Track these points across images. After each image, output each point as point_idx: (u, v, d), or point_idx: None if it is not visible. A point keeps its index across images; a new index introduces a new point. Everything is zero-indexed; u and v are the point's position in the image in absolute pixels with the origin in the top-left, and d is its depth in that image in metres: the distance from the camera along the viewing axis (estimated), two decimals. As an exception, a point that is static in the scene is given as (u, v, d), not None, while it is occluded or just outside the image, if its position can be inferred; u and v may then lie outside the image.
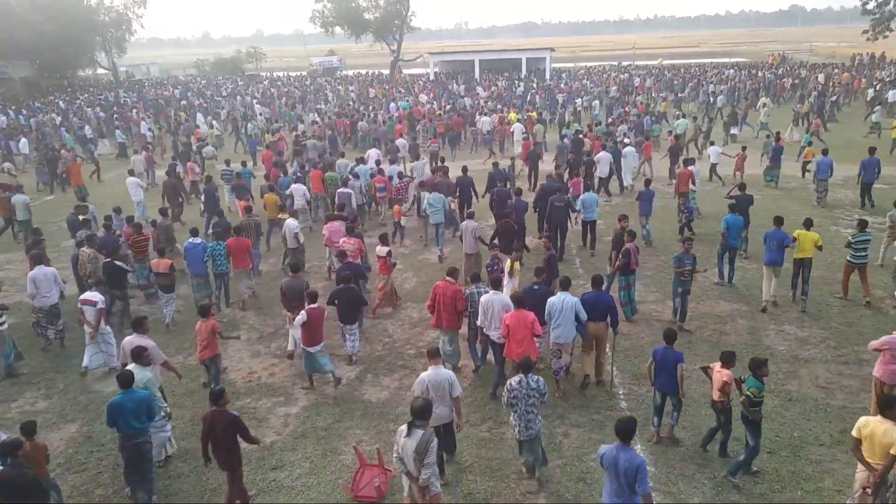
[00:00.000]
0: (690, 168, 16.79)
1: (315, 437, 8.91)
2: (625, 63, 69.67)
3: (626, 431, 6.18)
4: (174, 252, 13.91)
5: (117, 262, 12.13)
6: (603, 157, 19.61)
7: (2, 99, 48.76)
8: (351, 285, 10.78)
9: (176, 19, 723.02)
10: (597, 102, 38.18)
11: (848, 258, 12.29)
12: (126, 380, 7.53)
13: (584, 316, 9.51)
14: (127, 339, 8.94)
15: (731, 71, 52.46)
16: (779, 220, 12.30)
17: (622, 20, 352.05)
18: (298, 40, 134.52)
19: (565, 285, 9.79)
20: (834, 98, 35.93)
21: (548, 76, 57.32)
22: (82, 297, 10.76)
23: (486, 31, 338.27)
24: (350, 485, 7.68)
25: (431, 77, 60.11)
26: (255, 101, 43.55)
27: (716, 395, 7.84)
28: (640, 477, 6.03)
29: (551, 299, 9.64)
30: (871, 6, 54.97)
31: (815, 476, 7.78)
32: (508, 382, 7.75)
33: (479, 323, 9.95)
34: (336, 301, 10.64)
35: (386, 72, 67.25)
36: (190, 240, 12.73)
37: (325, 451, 8.63)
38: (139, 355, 8.19)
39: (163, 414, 8.39)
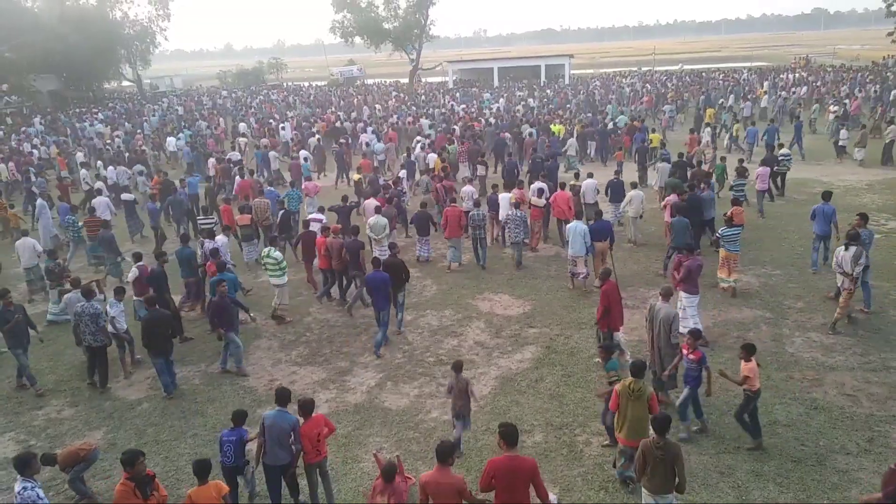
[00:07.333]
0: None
1: (335, 444, 8.93)
2: (644, 69, 69.39)
3: (828, 194, 13.38)
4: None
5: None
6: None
7: (31, 111, 49.81)
8: (426, 210, 15.98)
9: (199, 31, 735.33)
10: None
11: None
12: (222, 266, 11.81)
13: (588, 240, 13.19)
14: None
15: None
16: (827, 195, 13.70)
17: (642, 26, 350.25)
18: (319, 50, 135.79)
19: (578, 216, 13.91)
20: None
21: (567, 82, 57.22)
22: (310, 217, 15.25)
23: (504, 38, 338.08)
24: (370, 492, 7.68)
25: (451, 85, 60.28)
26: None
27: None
28: (834, 217, 13.07)
29: (568, 225, 13.79)
30: (895, 8, 54.20)
31: (842, 485, 7.65)
32: (505, 214, 15.58)
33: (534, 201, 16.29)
34: (414, 221, 15.98)
35: (403, 80, 67.60)
36: (268, 188, 18.74)
37: (346, 458, 8.67)
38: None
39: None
